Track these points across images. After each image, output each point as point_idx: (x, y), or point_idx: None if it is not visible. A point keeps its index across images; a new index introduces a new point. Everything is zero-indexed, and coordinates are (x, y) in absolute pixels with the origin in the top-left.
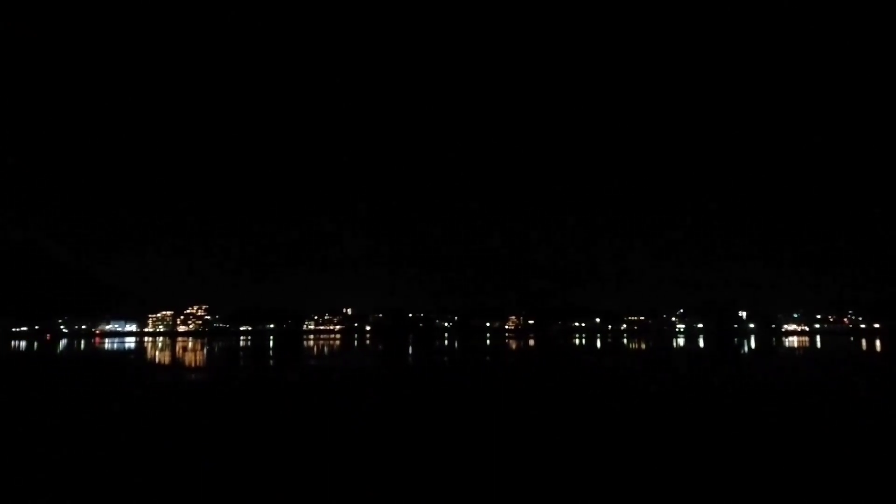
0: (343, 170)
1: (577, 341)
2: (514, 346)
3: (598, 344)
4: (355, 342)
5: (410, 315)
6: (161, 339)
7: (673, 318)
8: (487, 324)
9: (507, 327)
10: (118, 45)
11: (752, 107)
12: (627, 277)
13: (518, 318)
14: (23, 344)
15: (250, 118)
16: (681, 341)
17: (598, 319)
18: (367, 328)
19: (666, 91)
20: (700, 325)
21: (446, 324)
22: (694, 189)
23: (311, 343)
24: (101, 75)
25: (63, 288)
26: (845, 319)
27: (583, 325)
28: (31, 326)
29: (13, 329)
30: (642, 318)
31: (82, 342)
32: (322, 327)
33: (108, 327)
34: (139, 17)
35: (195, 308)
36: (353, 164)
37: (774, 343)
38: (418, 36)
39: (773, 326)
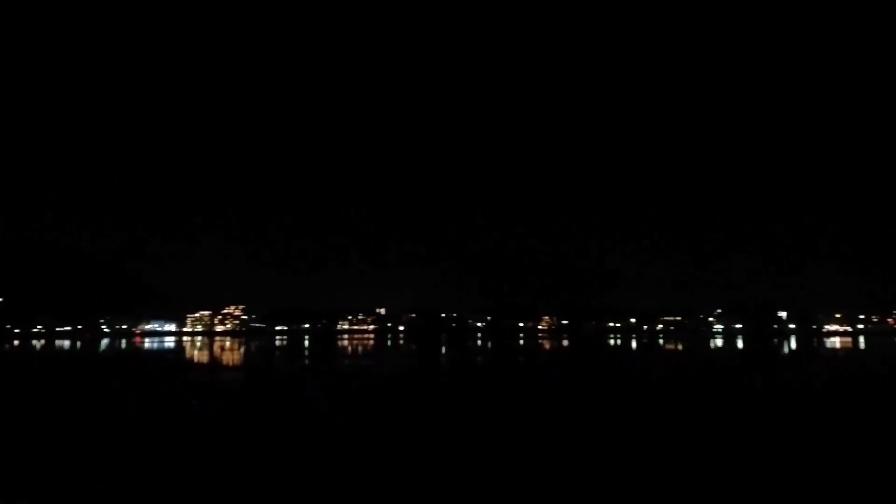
0: (378, 170)
1: (612, 342)
2: (547, 346)
3: (634, 345)
4: (388, 342)
5: (443, 315)
6: (200, 338)
7: (710, 319)
8: (520, 324)
9: (539, 327)
10: (158, 46)
11: (791, 105)
12: (663, 277)
13: (551, 318)
14: (66, 343)
15: (286, 121)
16: (718, 342)
17: (632, 320)
18: (401, 328)
19: (706, 90)
20: (738, 326)
21: (479, 324)
22: (733, 187)
23: (346, 343)
24: (137, 76)
25: (104, 289)
26: (890, 320)
27: (617, 325)
28: (73, 326)
29: (56, 328)
30: (678, 318)
31: (123, 341)
32: (356, 327)
33: (147, 327)
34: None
35: (232, 308)
36: (388, 164)
37: (817, 344)
38: (453, 31)
39: (815, 327)
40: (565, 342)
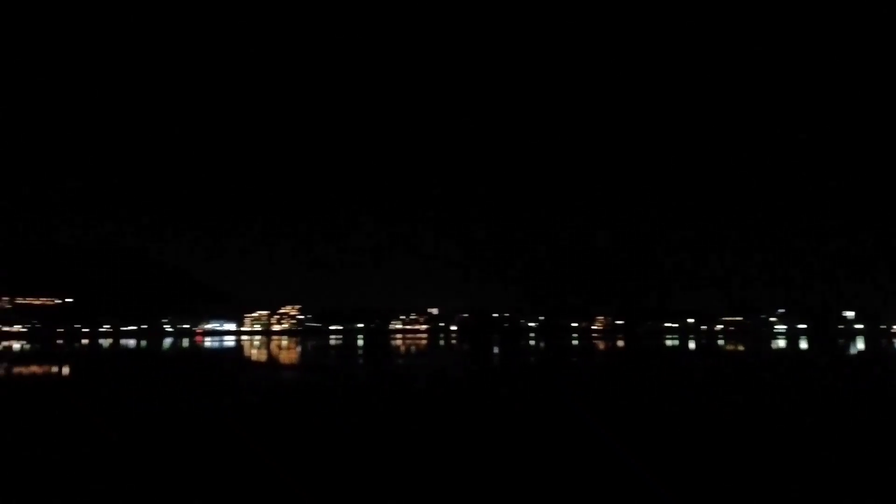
0: (431, 171)
1: (670, 343)
2: (601, 346)
3: (693, 346)
4: (441, 342)
5: (496, 315)
6: (258, 337)
7: (772, 319)
8: (574, 324)
9: (594, 327)
10: (217, 49)
11: (873, 103)
12: (724, 276)
13: (606, 317)
14: (131, 342)
15: (342, 122)
16: (780, 343)
17: (691, 320)
18: (453, 328)
19: (772, 95)
20: (802, 326)
21: (532, 324)
22: (799, 186)
23: (398, 342)
24: (204, 84)
25: (167, 290)
26: None
27: (675, 325)
28: (138, 326)
29: (122, 328)
30: (739, 318)
31: (185, 340)
32: (408, 327)
33: (208, 326)
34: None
35: (288, 308)
36: (443, 164)
37: (886, 345)
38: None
39: (883, 327)
40: (620, 343)
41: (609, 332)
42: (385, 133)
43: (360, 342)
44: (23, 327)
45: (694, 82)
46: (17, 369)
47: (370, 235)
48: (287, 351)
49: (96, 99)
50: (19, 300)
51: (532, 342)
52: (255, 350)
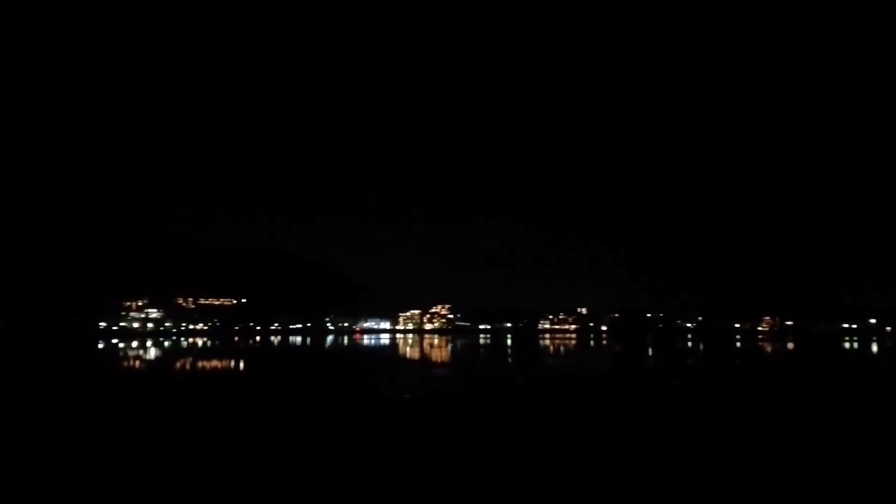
0: (580, 168)
1: (848, 346)
2: (768, 349)
3: (875, 351)
4: (591, 342)
5: (649, 315)
6: (412, 335)
7: None
8: (737, 325)
9: (759, 329)
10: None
11: None
12: None
13: (773, 318)
14: (298, 339)
15: (491, 124)
16: None
17: (873, 320)
18: (603, 328)
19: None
20: None
21: (689, 324)
22: None
23: (547, 342)
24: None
25: (330, 291)
26: None
27: (853, 326)
28: (303, 324)
29: (290, 326)
30: None
31: (345, 338)
32: (557, 327)
33: (366, 325)
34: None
35: (439, 307)
36: (593, 162)
37: None
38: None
39: None
40: (790, 345)
41: (777, 334)
42: (533, 132)
43: (509, 341)
44: (204, 325)
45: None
46: (201, 362)
47: (520, 235)
48: (440, 349)
49: (271, 110)
50: (201, 301)
51: (689, 344)
52: (409, 347)
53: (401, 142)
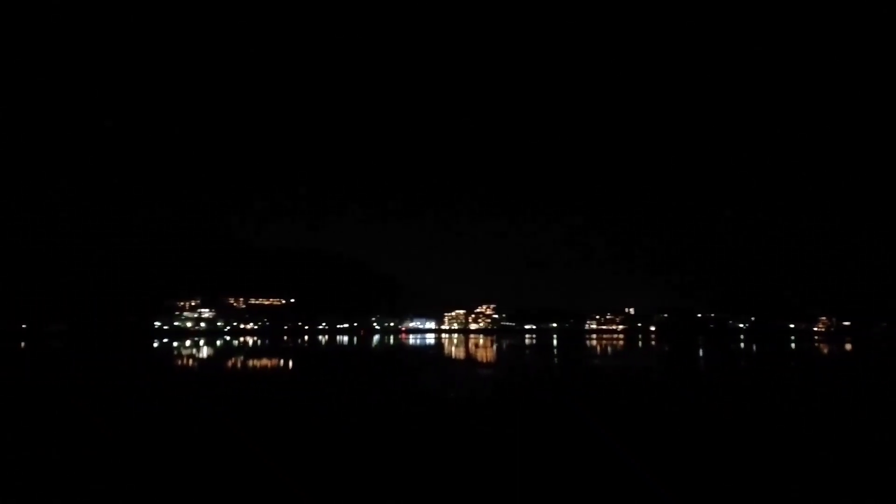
0: (630, 166)
1: None
2: (824, 351)
3: None
4: (639, 342)
5: (699, 315)
6: (456, 335)
7: None
8: (791, 325)
9: (815, 329)
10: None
11: None
12: None
13: (829, 318)
14: (345, 338)
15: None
16: None
17: None
18: (652, 329)
19: None
20: None
21: (741, 325)
22: None
23: (593, 342)
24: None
25: (376, 291)
26: None
27: None
28: (350, 323)
29: (337, 325)
30: None
31: (391, 337)
32: (604, 327)
33: (411, 324)
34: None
35: (484, 307)
36: (643, 160)
37: None
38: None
39: None
40: (847, 346)
41: (833, 335)
42: (585, 131)
43: (554, 341)
44: (255, 325)
45: None
46: (252, 361)
47: (566, 233)
48: (485, 348)
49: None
50: (251, 301)
51: (742, 345)
52: (454, 347)
53: (448, 143)
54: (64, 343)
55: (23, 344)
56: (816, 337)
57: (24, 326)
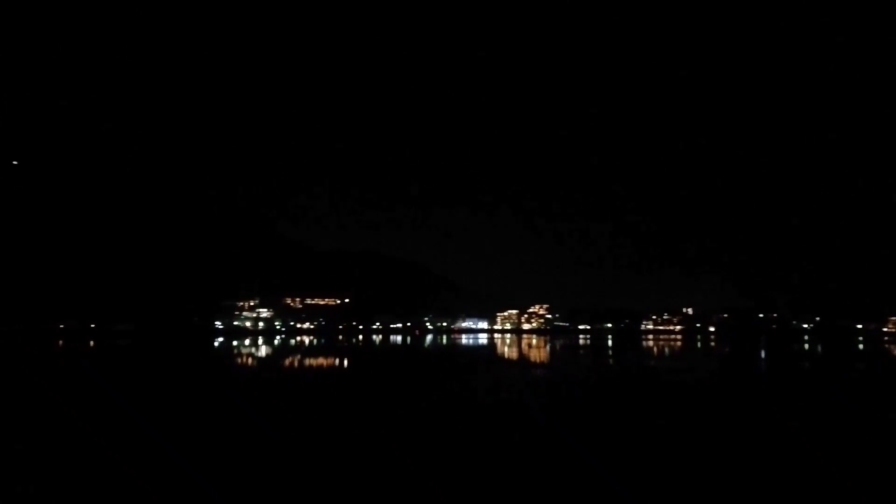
0: (686, 163)
1: None
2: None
3: None
4: (698, 343)
5: (761, 315)
6: (509, 335)
7: None
8: (859, 325)
9: (885, 329)
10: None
11: None
12: None
13: None
14: (399, 338)
15: (596, 130)
16: None
17: None
18: (711, 329)
19: None
20: None
21: (805, 325)
22: None
23: (650, 343)
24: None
25: (429, 291)
26: None
27: None
28: (403, 323)
29: (390, 325)
30: None
31: (445, 337)
32: (661, 327)
33: (463, 324)
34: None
35: (537, 307)
36: (700, 157)
37: None
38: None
39: None
40: None
41: None
42: (641, 131)
43: (609, 342)
44: (311, 324)
45: None
46: (309, 360)
47: (620, 232)
48: (538, 349)
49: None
50: (308, 301)
51: (806, 346)
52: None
53: (505, 145)
54: (131, 341)
55: (91, 343)
56: (886, 338)
57: (92, 326)
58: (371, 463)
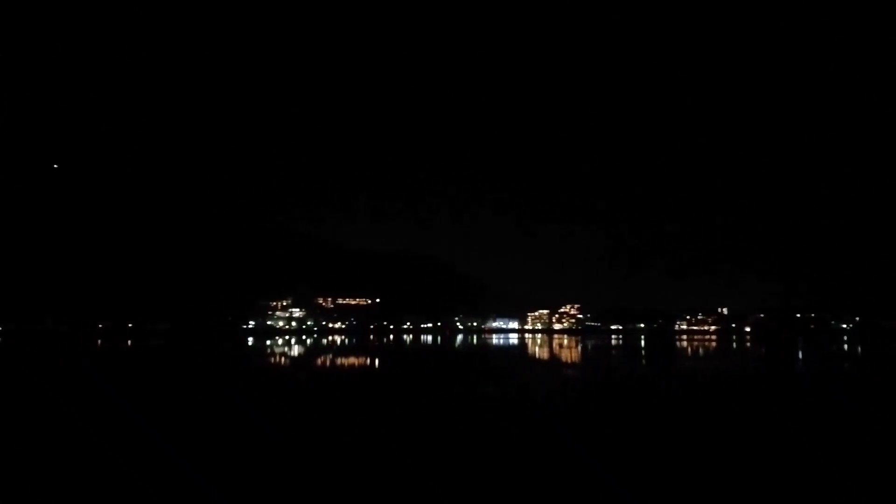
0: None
1: None
2: None
3: None
4: (733, 344)
5: (798, 315)
6: (540, 335)
7: None
8: None
9: None
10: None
11: None
12: None
13: None
14: (429, 338)
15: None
16: None
17: None
18: (747, 329)
19: None
20: None
21: (844, 325)
22: None
23: (683, 344)
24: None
25: (459, 291)
26: None
27: None
28: (434, 323)
29: (420, 325)
30: None
31: (475, 337)
32: (695, 328)
33: (494, 324)
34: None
35: (568, 307)
36: (734, 156)
37: None
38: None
39: None
40: None
41: None
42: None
43: (642, 343)
44: (342, 324)
45: None
46: (340, 359)
47: (655, 233)
48: (569, 349)
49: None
50: (339, 301)
51: (845, 347)
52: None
53: (537, 146)
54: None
55: (129, 342)
56: None
57: (129, 325)
58: (369, 463)
